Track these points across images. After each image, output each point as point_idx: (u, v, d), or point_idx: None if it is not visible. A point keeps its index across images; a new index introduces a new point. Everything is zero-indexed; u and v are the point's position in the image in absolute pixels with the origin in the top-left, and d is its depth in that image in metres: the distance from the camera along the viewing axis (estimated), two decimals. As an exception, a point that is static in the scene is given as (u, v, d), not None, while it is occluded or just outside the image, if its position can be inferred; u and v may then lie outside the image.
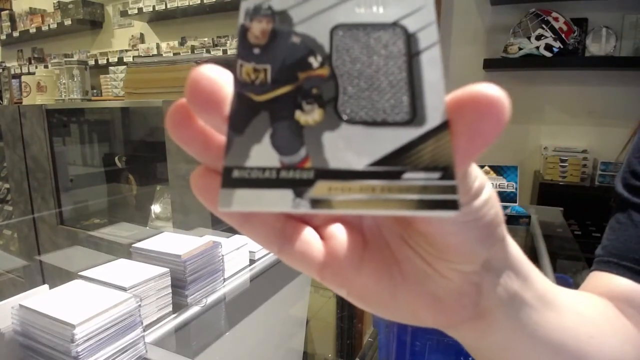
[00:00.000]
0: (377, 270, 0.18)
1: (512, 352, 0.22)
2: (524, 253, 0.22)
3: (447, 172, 0.14)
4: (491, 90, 0.14)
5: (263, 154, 0.15)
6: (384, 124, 0.15)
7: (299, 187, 0.15)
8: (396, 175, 0.14)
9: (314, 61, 0.15)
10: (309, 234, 0.17)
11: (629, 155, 0.41)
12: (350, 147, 0.15)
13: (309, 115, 0.15)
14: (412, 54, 0.15)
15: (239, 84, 0.15)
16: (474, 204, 0.16)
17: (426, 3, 0.16)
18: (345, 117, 0.15)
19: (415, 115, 0.15)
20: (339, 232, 0.17)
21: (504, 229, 0.18)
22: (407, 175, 0.14)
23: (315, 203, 0.14)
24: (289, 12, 0.16)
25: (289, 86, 0.15)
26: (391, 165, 0.14)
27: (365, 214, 0.18)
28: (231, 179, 0.14)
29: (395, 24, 0.15)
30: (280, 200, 0.14)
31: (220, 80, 0.15)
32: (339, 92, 0.15)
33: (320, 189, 0.14)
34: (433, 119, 0.15)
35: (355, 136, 0.15)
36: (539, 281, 0.22)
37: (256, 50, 0.15)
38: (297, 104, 0.15)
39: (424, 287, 0.18)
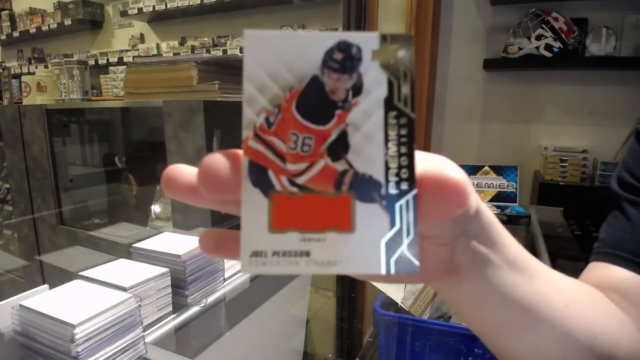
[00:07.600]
0: None
1: (482, 305, 0.26)
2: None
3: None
4: (453, 173, 0.17)
5: None
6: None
7: None
8: None
9: None
10: None
11: (624, 155, 0.43)
12: None
13: None
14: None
15: None
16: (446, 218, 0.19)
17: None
18: None
19: None
20: None
21: (479, 203, 0.22)
22: None
23: None
24: None
25: None
26: None
27: None
28: None
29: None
30: None
31: None
32: None
33: None
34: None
35: None
36: (510, 248, 0.25)
37: None
38: None
39: None
